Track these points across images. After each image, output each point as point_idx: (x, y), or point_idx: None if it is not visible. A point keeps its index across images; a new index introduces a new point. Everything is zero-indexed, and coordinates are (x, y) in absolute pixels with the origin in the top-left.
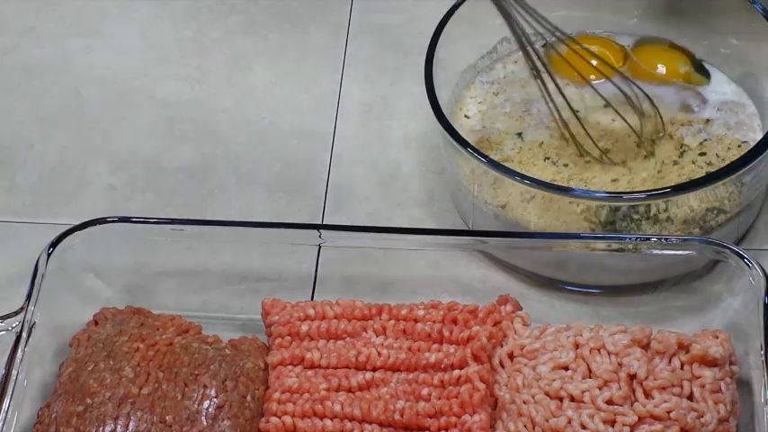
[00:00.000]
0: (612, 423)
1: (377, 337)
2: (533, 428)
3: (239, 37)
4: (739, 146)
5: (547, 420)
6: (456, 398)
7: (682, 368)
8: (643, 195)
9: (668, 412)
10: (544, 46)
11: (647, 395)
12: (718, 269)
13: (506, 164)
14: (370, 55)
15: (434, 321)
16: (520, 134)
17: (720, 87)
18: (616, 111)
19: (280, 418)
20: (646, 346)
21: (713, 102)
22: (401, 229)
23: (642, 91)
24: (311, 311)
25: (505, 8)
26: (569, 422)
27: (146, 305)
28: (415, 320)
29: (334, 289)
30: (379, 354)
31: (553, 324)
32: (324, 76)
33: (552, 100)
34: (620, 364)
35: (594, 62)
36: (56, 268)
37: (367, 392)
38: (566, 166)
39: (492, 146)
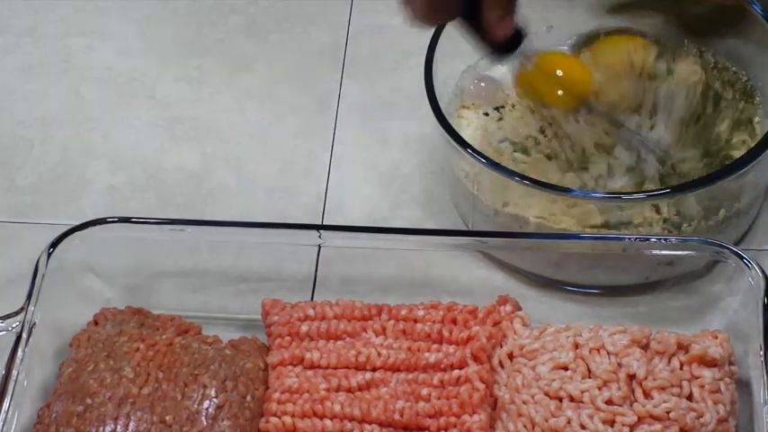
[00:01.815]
0: (612, 423)
1: (377, 337)
2: (533, 428)
3: (239, 37)
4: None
5: (546, 420)
6: (456, 398)
7: (681, 368)
8: (643, 196)
9: (668, 412)
10: None
11: (647, 395)
12: (718, 269)
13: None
14: (369, 55)
15: (434, 322)
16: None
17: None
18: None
19: (280, 418)
20: (645, 347)
21: None
22: (401, 229)
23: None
24: (311, 312)
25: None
26: (569, 422)
27: (146, 305)
28: (415, 321)
29: (334, 289)
30: (379, 354)
31: (553, 324)
32: (324, 76)
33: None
34: (619, 365)
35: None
36: (56, 268)
37: (367, 392)
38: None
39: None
